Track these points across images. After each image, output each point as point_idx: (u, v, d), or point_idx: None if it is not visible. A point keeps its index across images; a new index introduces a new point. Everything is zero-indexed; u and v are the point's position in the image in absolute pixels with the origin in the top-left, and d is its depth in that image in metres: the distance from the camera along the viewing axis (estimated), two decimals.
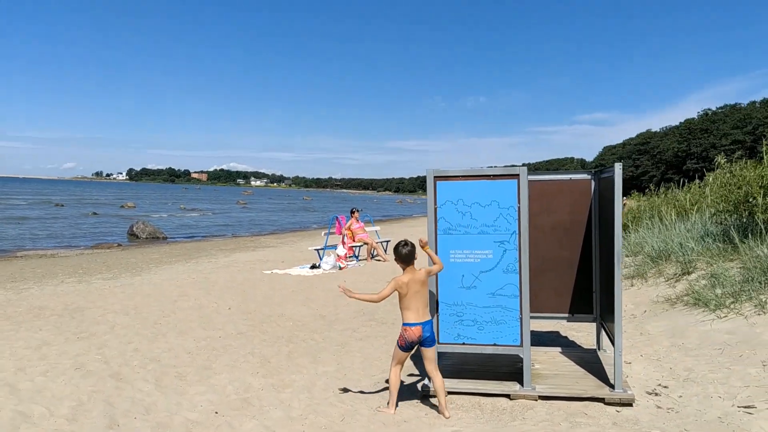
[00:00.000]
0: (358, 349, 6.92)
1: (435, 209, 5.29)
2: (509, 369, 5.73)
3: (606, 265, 5.71)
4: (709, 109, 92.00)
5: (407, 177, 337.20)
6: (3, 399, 4.95)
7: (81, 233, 27.28)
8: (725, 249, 8.68)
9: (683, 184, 16.05)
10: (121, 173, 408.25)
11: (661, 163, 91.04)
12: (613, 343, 5.28)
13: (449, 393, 5.21)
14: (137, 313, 8.71)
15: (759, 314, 6.30)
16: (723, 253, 8.57)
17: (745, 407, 4.56)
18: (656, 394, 5.02)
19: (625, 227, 13.67)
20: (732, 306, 6.70)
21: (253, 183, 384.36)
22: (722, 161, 11.52)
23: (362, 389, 5.54)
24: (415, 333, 4.77)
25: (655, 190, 17.40)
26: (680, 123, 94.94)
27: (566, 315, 6.23)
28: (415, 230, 27.67)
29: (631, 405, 4.81)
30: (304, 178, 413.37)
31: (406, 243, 4.91)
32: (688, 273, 8.67)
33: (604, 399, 4.90)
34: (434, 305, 5.25)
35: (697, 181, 15.50)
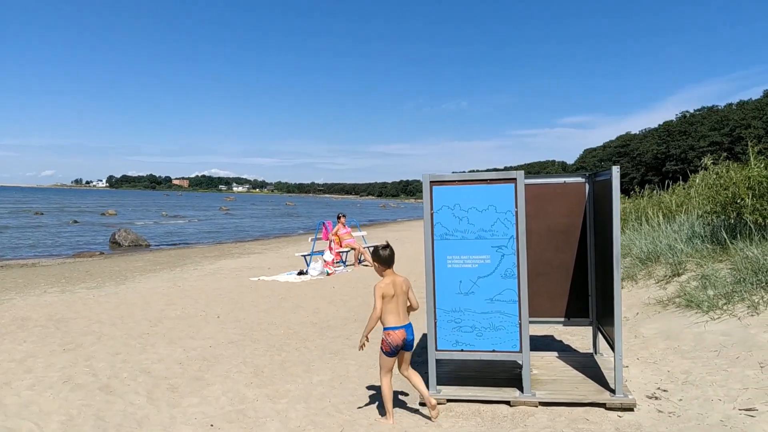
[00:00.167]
0: (352, 357, 6.82)
1: (431, 214, 5.22)
2: (507, 375, 5.67)
3: (602, 269, 5.69)
4: (687, 112, 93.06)
5: (390, 181, 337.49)
6: None
7: (62, 242, 26.85)
8: (714, 250, 8.73)
9: (668, 186, 16.16)
10: (101, 180, 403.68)
11: (641, 165, 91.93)
12: (612, 347, 5.25)
13: (448, 401, 5.15)
14: (124, 323, 8.54)
15: (752, 315, 6.32)
16: (712, 255, 8.61)
17: (746, 410, 4.55)
18: (656, 398, 5.00)
19: None
20: (725, 307, 6.72)
21: (235, 189, 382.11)
22: (709, 162, 11.61)
23: (359, 398, 5.45)
24: (399, 336, 4.69)
25: (639, 192, 17.50)
26: (659, 125, 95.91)
27: (562, 319, 6.20)
28: (402, 234, 27.64)
29: (632, 410, 4.78)
30: (286, 183, 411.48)
31: (386, 246, 4.83)
32: (678, 274, 8.70)
33: (605, 404, 4.85)
34: (432, 312, 5.18)
35: (680, 182, 15.61)
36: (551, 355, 6.31)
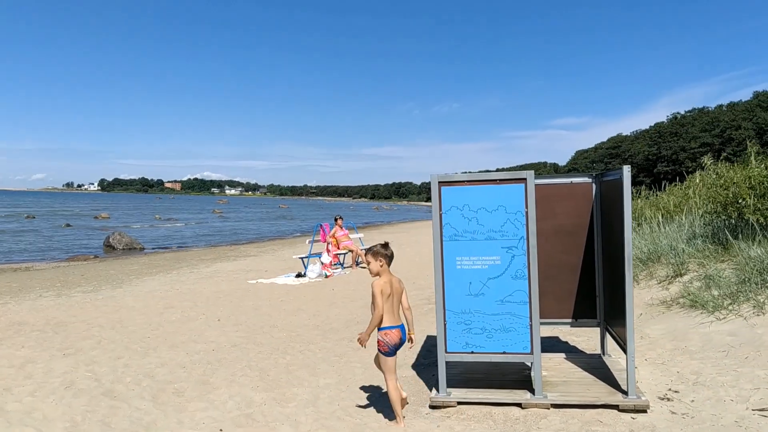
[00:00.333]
0: (357, 359, 6.76)
1: (440, 215, 5.17)
2: (516, 376, 5.63)
3: (609, 269, 5.66)
4: (678, 113, 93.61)
5: (382, 184, 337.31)
6: None
7: (56, 245, 26.62)
8: (716, 250, 8.72)
9: (664, 187, 16.19)
10: (93, 184, 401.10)
11: (633, 166, 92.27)
12: (622, 348, 5.22)
13: (458, 403, 5.09)
14: (123, 327, 8.44)
15: (758, 315, 6.31)
16: (714, 255, 8.61)
17: (760, 410, 4.53)
18: (669, 400, 4.96)
19: None
20: (730, 307, 6.70)
21: (227, 192, 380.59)
22: (708, 162, 11.63)
23: (368, 401, 5.39)
24: (396, 335, 4.65)
25: (636, 193, 17.53)
26: (650, 127, 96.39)
27: (570, 320, 6.16)
28: (398, 236, 27.58)
29: (645, 411, 4.74)
30: (279, 186, 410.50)
31: (386, 244, 4.81)
32: (681, 275, 8.69)
33: (618, 406, 4.81)
34: (441, 314, 5.13)
35: (677, 183, 15.65)
36: (559, 357, 6.27)
